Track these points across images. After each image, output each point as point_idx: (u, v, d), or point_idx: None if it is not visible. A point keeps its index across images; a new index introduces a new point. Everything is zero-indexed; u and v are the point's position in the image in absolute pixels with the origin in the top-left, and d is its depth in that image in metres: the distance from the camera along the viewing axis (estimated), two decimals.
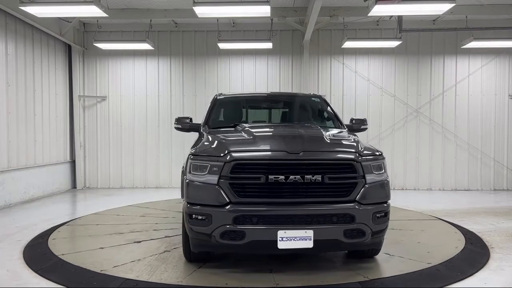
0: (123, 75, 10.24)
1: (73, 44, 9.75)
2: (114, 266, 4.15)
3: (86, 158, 10.29)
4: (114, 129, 10.26)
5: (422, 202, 8.29)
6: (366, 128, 5.37)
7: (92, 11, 6.96)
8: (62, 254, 4.56)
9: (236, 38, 9.94)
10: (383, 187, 3.90)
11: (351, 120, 5.38)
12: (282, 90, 9.97)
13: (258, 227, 3.58)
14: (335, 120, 5.30)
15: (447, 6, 6.69)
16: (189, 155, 3.96)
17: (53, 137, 9.35)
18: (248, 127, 4.50)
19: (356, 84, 10.05)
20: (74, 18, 9.02)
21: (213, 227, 3.60)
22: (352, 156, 3.79)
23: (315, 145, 3.94)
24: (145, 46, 9.25)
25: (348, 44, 9.15)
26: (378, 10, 6.81)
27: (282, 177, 3.59)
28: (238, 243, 3.59)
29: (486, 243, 5.13)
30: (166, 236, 5.30)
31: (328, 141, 4.02)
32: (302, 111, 5.71)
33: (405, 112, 10.02)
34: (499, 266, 4.30)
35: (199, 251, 4.06)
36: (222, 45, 9.28)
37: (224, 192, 3.63)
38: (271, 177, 3.58)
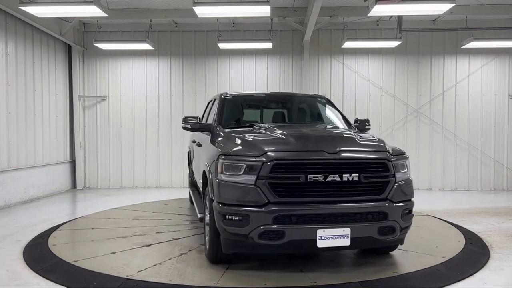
0: (123, 75, 10.24)
1: (73, 44, 9.75)
2: (139, 271, 4.02)
3: (86, 158, 10.29)
4: (114, 129, 10.25)
5: (422, 202, 8.27)
6: (369, 128, 5.44)
7: (92, 11, 6.96)
8: (75, 261, 4.35)
9: (236, 38, 9.93)
10: (409, 185, 4.05)
11: (356, 120, 5.48)
12: (282, 90, 9.97)
13: (297, 227, 3.60)
14: (344, 121, 5.41)
15: (447, 6, 6.69)
16: (219, 155, 3.87)
17: (53, 137, 9.35)
18: (271, 127, 4.50)
19: (356, 84, 10.05)
20: (74, 18, 9.02)
21: (251, 227, 3.58)
22: (386, 155, 3.90)
23: (350, 144, 4.00)
24: (145, 46, 9.25)
25: (348, 44, 9.15)
26: (378, 10, 6.81)
27: (321, 176, 3.63)
28: (277, 243, 3.59)
29: (486, 243, 5.13)
30: (174, 239, 5.21)
31: (360, 141, 4.08)
32: (312, 112, 5.81)
33: (405, 112, 10.02)
34: (499, 266, 4.30)
35: (231, 253, 4.00)
36: (222, 45, 9.28)
37: (263, 192, 3.61)
38: (310, 176, 3.62)
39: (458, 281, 3.88)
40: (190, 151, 7.33)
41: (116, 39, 10.01)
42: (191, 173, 7.15)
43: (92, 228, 5.81)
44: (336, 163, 3.71)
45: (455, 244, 5.01)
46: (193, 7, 6.93)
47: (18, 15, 7.66)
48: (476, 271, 4.12)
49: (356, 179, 3.70)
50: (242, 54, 10.05)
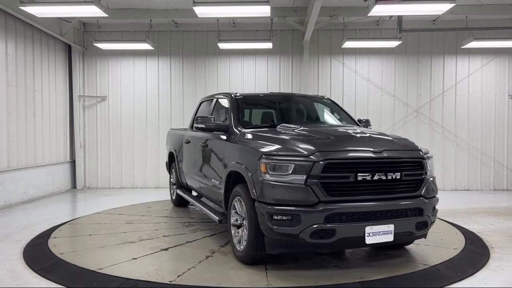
0: (123, 75, 10.24)
1: (73, 44, 9.76)
2: (179, 276, 3.90)
3: (86, 158, 10.29)
4: (114, 129, 10.26)
5: None
6: (370, 129, 5.46)
7: (92, 11, 6.96)
8: (96, 271, 4.13)
9: (236, 38, 9.93)
10: (435, 182, 4.30)
11: (359, 120, 5.68)
12: (282, 90, 9.97)
13: (347, 225, 3.68)
14: (353, 121, 5.61)
15: (447, 6, 6.69)
16: (261, 155, 3.85)
17: (53, 137, 9.35)
18: (301, 127, 4.55)
19: (356, 84, 10.05)
20: (74, 18, 9.02)
21: (302, 226, 3.60)
22: (420, 154, 4.12)
23: (391, 144, 4.13)
24: (145, 46, 9.26)
25: (348, 44, 9.16)
26: (378, 10, 6.81)
27: (369, 175, 3.75)
28: (327, 241, 3.66)
29: (486, 243, 5.13)
30: (187, 241, 5.11)
31: (397, 141, 4.23)
32: (324, 112, 5.90)
33: (405, 112, 10.02)
34: (499, 266, 4.31)
35: (276, 253, 4.03)
36: (222, 45, 9.28)
37: (314, 191, 3.65)
38: (360, 175, 3.72)
39: (458, 281, 3.88)
40: (174, 152, 7.17)
41: (116, 39, 10.01)
42: (178, 174, 7.00)
43: (90, 235, 5.44)
44: (382, 162, 3.86)
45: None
46: (193, 7, 6.93)
47: (18, 15, 7.66)
48: (476, 271, 4.12)
49: (398, 177, 3.86)
50: (242, 54, 10.05)
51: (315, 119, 5.81)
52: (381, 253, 4.67)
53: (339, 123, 5.62)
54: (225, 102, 5.53)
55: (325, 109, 6.00)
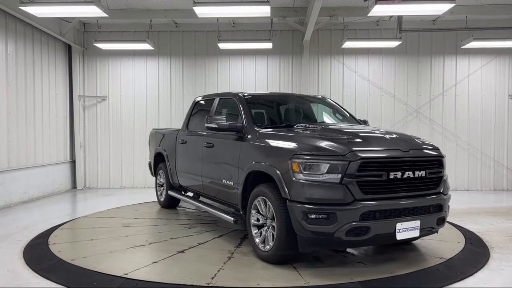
0: (123, 75, 10.24)
1: (73, 44, 9.76)
2: (212, 278, 3.85)
3: (86, 158, 10.29)
4: (114, 129, 10.26)
5: None
6: None
7: (92, 11, 6.96)
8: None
9: (236, 38, 9.93)
10: (447, 180, 4.54)
11: (359, 121, 5.83)
12: (282, 91, 9.97)
13: (380, 222, 3.79)
14: (356, 121, 5.78)
15: (447, 6, 6.69)
16: (293, 155, 3.89)
17: (53, 137, 9.35)
18: (321, 127, 4.60)
19: (356, 84, 10.05)
20: (74, 18, 9.02)
21: (338, 225, 3.67)
22: (440, 153, 4.36)
23: (416, 144, 4.29)
24: (145, 46, 9.26)
25: (348, 44, 9.15)
26: (378, 10, 6.80)
27: (399, 173, 3.90)
28: (362, 239, 3.76)
29: (486, 243, 5.14)
30: (199, 243, 5.02)
31: (418, 140, 4.42)
32: (331, 113, 5.97)
33: (405, 112, 10.02)
34: (499, 266, 4.31)
35: (309, 251, 4.15)
36: (222, 45, 9.28)
37: (349, 190, 3.72)
38: (391, 173, 3.85)
39: (458, 281, 3.88)
40: (164, 152, 7.01)
41: (116, 39, 10.01)
42: (169, 174, 6.86)
43: (91, 240, 5.22)
44: (411, 160, 4.01)
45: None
46: (193, 7, 6.94)
47: (18, 15, 7.66)
48: (476, 271, 4.12)
49: (423, 175, 4.04)
50: (242, 54, 10.05)
51: (325, 119, 5.89)
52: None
53: (351, 123, 5.66)
54: (232, 102, 5.50)
55: (331, 110, 6.06)
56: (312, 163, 3.80)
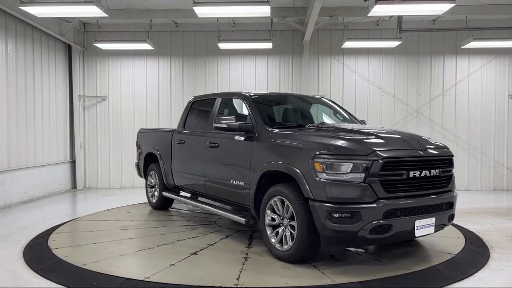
0: (123, 75, 10.24)
1: (73, 44, 9.76)
2: (237, 279, 3.84)
3: (86, 158, 10.29)
4: (114, 129, 10.25)
5: None
6: None
7: (92, 11, 6.97)
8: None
9: (236, 38, 9.93)
10: (454, 179, 4.61)
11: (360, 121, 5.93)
12: (282, 91, 9.97)
13: (401, 219, 3.90)
14: (358, 122, 5.89)
15: (447, 6, 6.69)
16: (315, 154, 3.92)
17: (53, 137, 9.35)
18: (332, 127, 4.67)
19: (356, 84, 10.05)
20: (74, 18, 9.02)
21: (363, 223, 3.74)
22: (450, 152, 4.50)
23: (430, 143, 4.40)
24: (145, 46, 9.26)
25: (348, 44, 9.15)
26: (378, 10, 6.81)
27: (418, 172, 4.02)
28: (384, 236, 3.85)
29: (486, 243, 5.13)
30: (209, 245, 4.95)
31: (431, 140, 4.53)
32: (334, 113, 6.02)
33: (405, 112, 10.02)
34: (499, 266, 4.31)
35: (331, 250, 4.34)
36: (222, 45, 9.28)
37: (373, 188, 3.80)
38: (411, 172, 3.97)
39: (458, 281, 3.88)
40: (157, 152, 6.89)
41: (116, 39, 10.01)
42: (164, 175, 6.74)
43: (95, 243, 5.05)
44: (427, 159, 4.14)
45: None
46: (193, 7, 6.94)
47: (18, 15, 7.66)
48: (476, 271, 4.12)
49: (437, 173, 4.17)
50: (242, 54, 10.05)
51: (333, 120, 5.92)
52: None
53: (357, 123, 5.72)
54: (237, 103, 5.48)
55: (334, 111, 6.09)
56: (335, 163, 3.84)
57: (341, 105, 9.87)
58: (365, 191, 3.78)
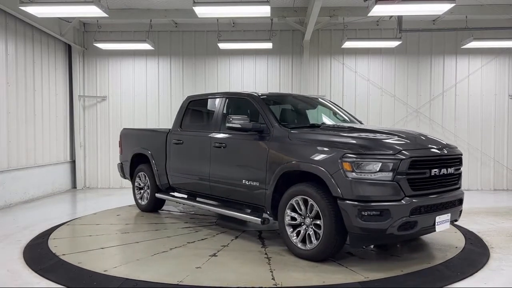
0: (123, 75, 10.24)
1: (73, 44, 9.76)
2: (272, 279, 3.83)
3: (86, 158, 10.29)
4: (114, 129, 10.25)
5: None
6: None
7: (92, 11, 6.97)
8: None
9: (236, 38, 9.93)
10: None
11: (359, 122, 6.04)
12: (282, 91, 9.97)
13: (425, 216, 4.06)
14: (358, 122, 6.03)
15: (447, 6, 6.69)
16: (343, 154, 3.97)
17: (53, 137, 9.35)
18: (346, 128, 4.79)
19: (356, 84, 10.05)
20: (74, 18, 9.03)
21: (391, 221, 3.86)
22: (461, 151, 4.70)
23: (442, 143, 4.58)
24: (145, 46, 9.26)
25: (348, 44, 9.16)
26: (378, 10, 6.81)
27: (438, 170, 4.20)
28: (410, 232, 4.01)
29: (486, 243, 5.13)
30: (223, 246, 4.87)
31: (442, 140, 4.69)
32: (338, 113, 6.07)
33: (405, 112, 10.02)
34: (499, 266, 4.31)
35: (359, 247, 4.56)
36: (222, 45, 9.28)
37: (401, 186, 3.92)
38: (433, 170, 4.15)
39: (458, 281, 3.88)
40: (149, 153, 6.65)
41: (116, 39, 10.01)
42: (157, 176, 6.51)
43: (102, 247, 4.86)
44: (446, 158, 4.34)
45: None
46: (193, 7, 6.94)
47: (18, 15, 7.66)
48: (476, 271, 4.12)
49: (452, 171, 4.37)
50: (242, 54, 10.05)
51: (339, 120, 5.95)
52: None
53: (364, 123, 5.88)
54: (245, 102, 5.43)
55: (336, 112, 6.12)
56: (364, 162, 3.93)
57: (341, 105, 9.93)
58: (393, 189, 3.90)
